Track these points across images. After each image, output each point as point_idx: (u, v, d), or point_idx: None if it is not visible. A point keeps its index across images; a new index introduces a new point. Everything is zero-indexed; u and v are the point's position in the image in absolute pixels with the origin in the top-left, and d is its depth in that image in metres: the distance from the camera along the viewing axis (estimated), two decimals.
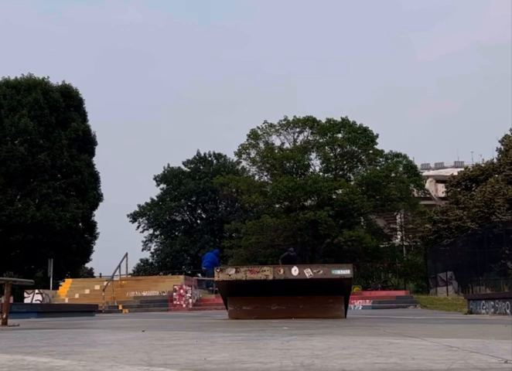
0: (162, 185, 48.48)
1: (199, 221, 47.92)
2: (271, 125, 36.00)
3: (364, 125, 35.14)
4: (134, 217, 47.31)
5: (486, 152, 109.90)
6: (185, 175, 47.75)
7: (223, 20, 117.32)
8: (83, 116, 36.20)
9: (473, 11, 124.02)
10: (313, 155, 35.72)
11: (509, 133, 30.80)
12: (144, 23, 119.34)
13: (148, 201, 47.76)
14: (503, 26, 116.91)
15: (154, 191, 65.48)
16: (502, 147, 30.75)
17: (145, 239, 48.07)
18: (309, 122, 35.82)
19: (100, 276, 31.34)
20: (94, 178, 35.73)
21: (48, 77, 35.19)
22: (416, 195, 36.45)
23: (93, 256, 36.40)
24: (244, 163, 38.47)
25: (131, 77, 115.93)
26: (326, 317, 7.55)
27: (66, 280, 25.38)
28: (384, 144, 61.43)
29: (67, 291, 23.02)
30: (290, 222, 32.73)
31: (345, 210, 32.91)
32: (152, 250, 48.15)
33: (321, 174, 35.42)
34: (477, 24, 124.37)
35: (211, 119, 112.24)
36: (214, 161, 48.46)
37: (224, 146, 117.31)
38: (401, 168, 34.63)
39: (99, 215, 36.98)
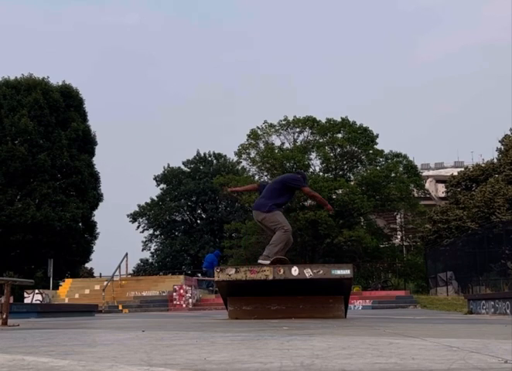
0: (162, 185, 48.52)
1: (199, 221, 47.94)
2: (271, 125, 36.01)
3: (364, 125, 35.18)
4: (134, 217, 47.33)
5: (486, 152, 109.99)
6: (185, 175, 47.77)
7: (223, 21, 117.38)
8: (83, 116, 36.20)
9: (473, 11, 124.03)
10: (313, 155, 35.76)
11: (509, 133, 30.82)
12: (144, 24, 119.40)
13: (148, 201, 47.79)
14: (503, 26, 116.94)
15: (154, 191, 65.58)
16: (502, 147, 30.76)
17: (145, 240, 48.13)
18: (309, 122, 35.84)
19: (100, 276, 31.34)
20: (94, 178, 35.74)
21: (48, 77, 35.26)
22: (416, 195, 36.47)
23: (93, 256, 36.45)
24: (244, 163, 38.49)
25: (131, 77, 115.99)
26: (326, 317, 7.55)
27: (66, 280, 25.40)
28: (384, 144, 61.62)
29: (67, 291, 23.03)
30: (290, 222, 32.63)
31: (345, 210, 32.93)
32: (152, 250, 48.21)
33: (321, 174, 35.45)
34: (477, 24, 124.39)
35: (211, 119, 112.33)
36: (214, 161, 48.48)
37: (224, 146, 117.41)
38: (401, 168, 34.64)
39: (99, 215, 37.05)
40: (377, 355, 2.35)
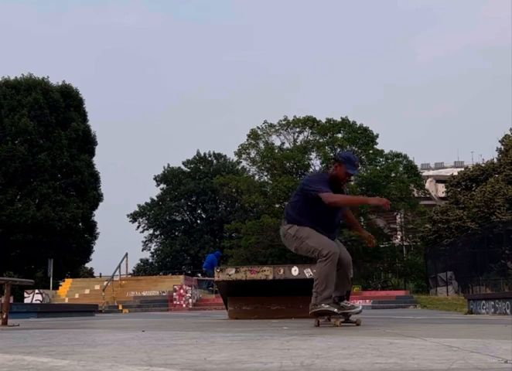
0: (162, 185, 48.55)
1: (199, 221, 47.94)
2: (271, 125, 36.03)
3: (364, 125, 35.21)
4: (134, 217, 47.36)
5: (486, 152, 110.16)
6: (185, 175, 47.79)
7: (223, 20, 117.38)
8: (83, 116, 36.22)
9: (473, 11, 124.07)
10: (313, 155, 35.78)
11: (509, 133, 30.82)
12: (144, 24, 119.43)
13: (148, 201, 47.82)
14: (503, 26, 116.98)
15: (154, 191, 65.67)
16: (502, 147, 30.77)
17: (145, 239, 48.16)
18: (309, 122, 35.86)
19: (100, 276, 31.36)
20: (94, 178, 35.75)
21: (48, 77, 35.27)
22: (416, 195, 36.48)
23: (93, 256, 36.47)
24: (244, 163, 38.56)
25: (131, 77, 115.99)
26: None
27: (66, 280, 25.40)
28: (384, 144, 61.68)
29: (67, 290, 23.04)
30: None
31: None
32: (152, 250, 48.24)
33: None
34: (477, 24, 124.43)
35: (211, 119, 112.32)
36: (214, 161, 48.51)
37: (224, 146, 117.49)
38: (401, 168, 34.66)
39: (99, 215, 37.07)
40: (377, 355, 2.35)
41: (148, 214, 47.40)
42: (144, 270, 46.13)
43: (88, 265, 38.84)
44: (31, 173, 32.27)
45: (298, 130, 36.28)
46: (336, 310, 4.97)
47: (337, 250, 5.05)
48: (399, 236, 39.84)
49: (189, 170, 48.33)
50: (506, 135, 30.81)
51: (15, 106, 32.88)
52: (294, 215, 5.26)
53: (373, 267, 34.38)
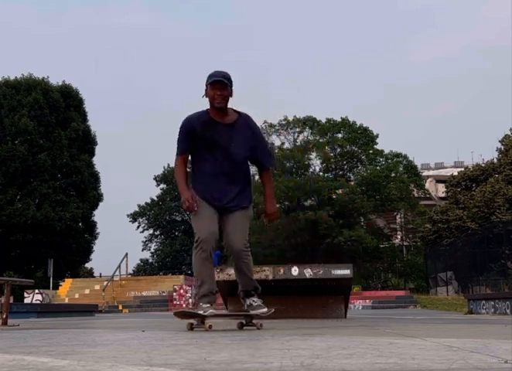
0: (162, 185, 48.54)
1: None
2: (271, 125, 36.04)
3: (364, 125, 35.24)
4: (134, 217, 47.36)
5: (486, 152, 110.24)
6: None
7: (223, 20, 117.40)
8: (83, 116, 36.22)
9: (473, 11, 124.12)
10: (313, 155, 35.81)
11: (509, 133, 30.84)
12: (144, 24, 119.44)
13: (148, 201, 47.81)
14: (503, 26, 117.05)
15: (154, 191, 65.58)
16: (502, 147, 30.79)
17: (145, 239, 48.17)
18: (309, 122, 35.90)
19: (100, 276, 31.36)
20: (94, 178, 35.76)
21: (48, 77, 35.28)
22: (416, 195, 36.52)
23: (93, 256, 36.49)
24: None
25: (131, 77, 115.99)
26: (326, 317, 7.54)
27: (66, 280, 25.42)
28: (384, 144, 61.64)
29: (67, 290, 23.05)
30: (290, 222, 32.76)
31: (345, 210, 32.96)
32: (152, 250, 48.25)
33: (321, 174, 35.47)
34: (477, 24, 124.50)
35: None
36: None
37: None
38: (401, 168, 34.70)
39: (99, 215, 37.08)
40: (377, 355, 2.35)
41: (148, 214, 47.41)
42: (144, 270, 46.13)
43: (88, 265, 38.90)
44: (31, 173, 32.27)
45: (298, 130, 36.32)
46: (209, 312, 4.14)
47: (208, 236, 4.10)
48: (399, 236, 39.86)
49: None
50: (506, 135, 30.84)
51: (15, 106, 32.88)
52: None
53: (373, 267, 34.39)
